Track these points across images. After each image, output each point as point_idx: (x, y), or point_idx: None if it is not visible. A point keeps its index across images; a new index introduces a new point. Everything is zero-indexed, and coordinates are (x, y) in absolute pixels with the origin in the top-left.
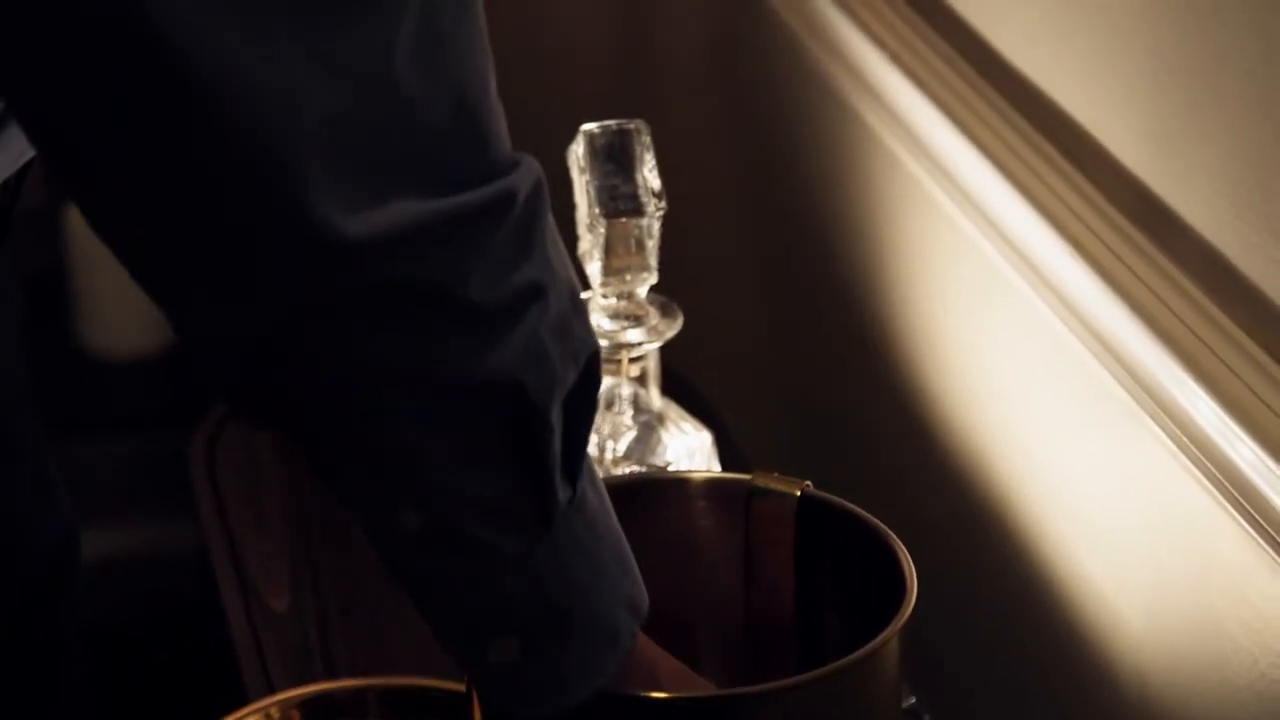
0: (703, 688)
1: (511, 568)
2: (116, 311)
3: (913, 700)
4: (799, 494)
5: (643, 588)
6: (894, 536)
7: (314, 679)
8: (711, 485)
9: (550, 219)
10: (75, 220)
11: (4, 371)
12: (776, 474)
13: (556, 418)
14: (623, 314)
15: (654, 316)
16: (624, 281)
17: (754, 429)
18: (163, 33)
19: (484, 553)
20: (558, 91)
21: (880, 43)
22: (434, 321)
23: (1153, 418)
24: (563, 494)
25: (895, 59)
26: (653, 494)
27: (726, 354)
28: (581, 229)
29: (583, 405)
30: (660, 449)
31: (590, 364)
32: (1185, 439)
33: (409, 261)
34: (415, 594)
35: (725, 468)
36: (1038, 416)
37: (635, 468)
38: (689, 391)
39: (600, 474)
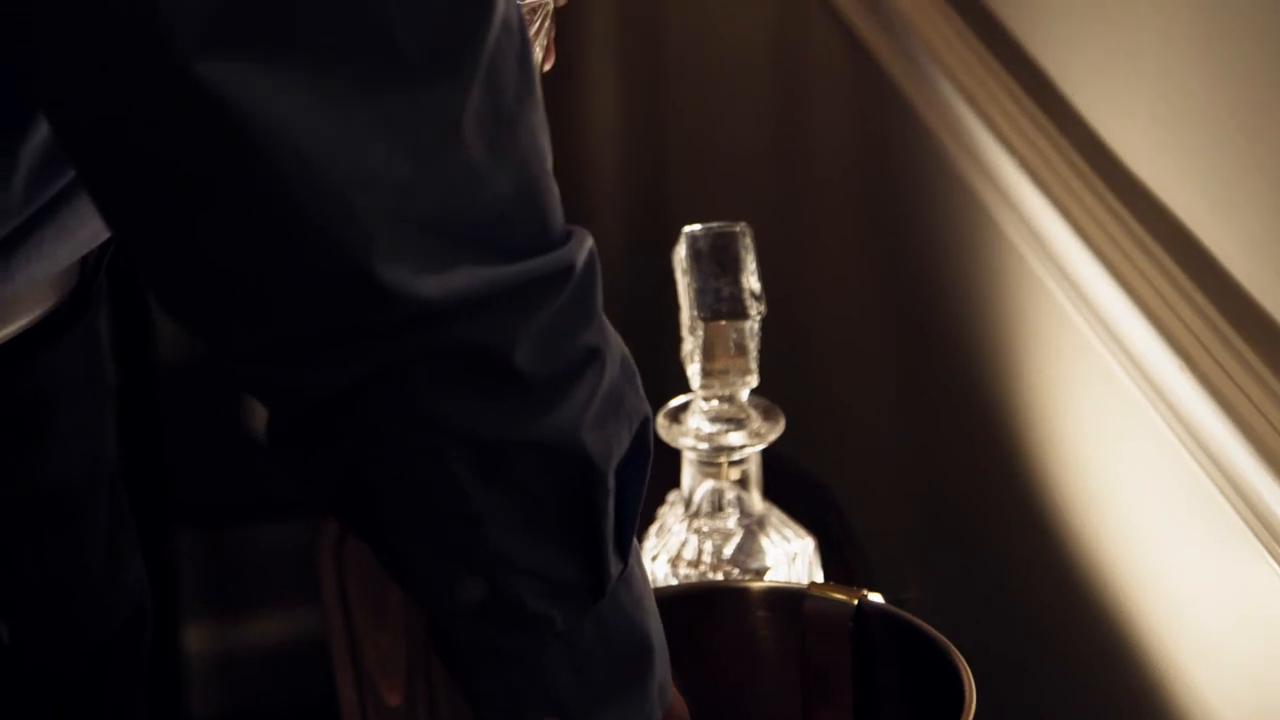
0: None
1: (561, 642)
2: None
3: None
4: (856, 604)
5: (670, 673)
6: (953, 648)
7: None
8: (770, 595)
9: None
10: None
11: (89, 446)
12: (834, 584)
13: (611, 484)
14: (724, 417)
15: (755, 420)
16: (724, 384)
17: (881, 535)
18: (229, 98)
19: (536, 625)
20: (711, 187)
21: (1023, 162)
22: (496, 383)
23: (1267, 548)
24: (614, 566)
25: (1034, 175)
26: (712, 603)
27: (859, 456)
28: (684, 330)
29: (634, 474)
30: (760, 554)
31: (642, 432)
32: None
33: (476, 324)
34: (464, 671)
35: (851, 572)
36: (1160, 538)
37: (735, 571)
38: (818, 493)
39: (682, 578)
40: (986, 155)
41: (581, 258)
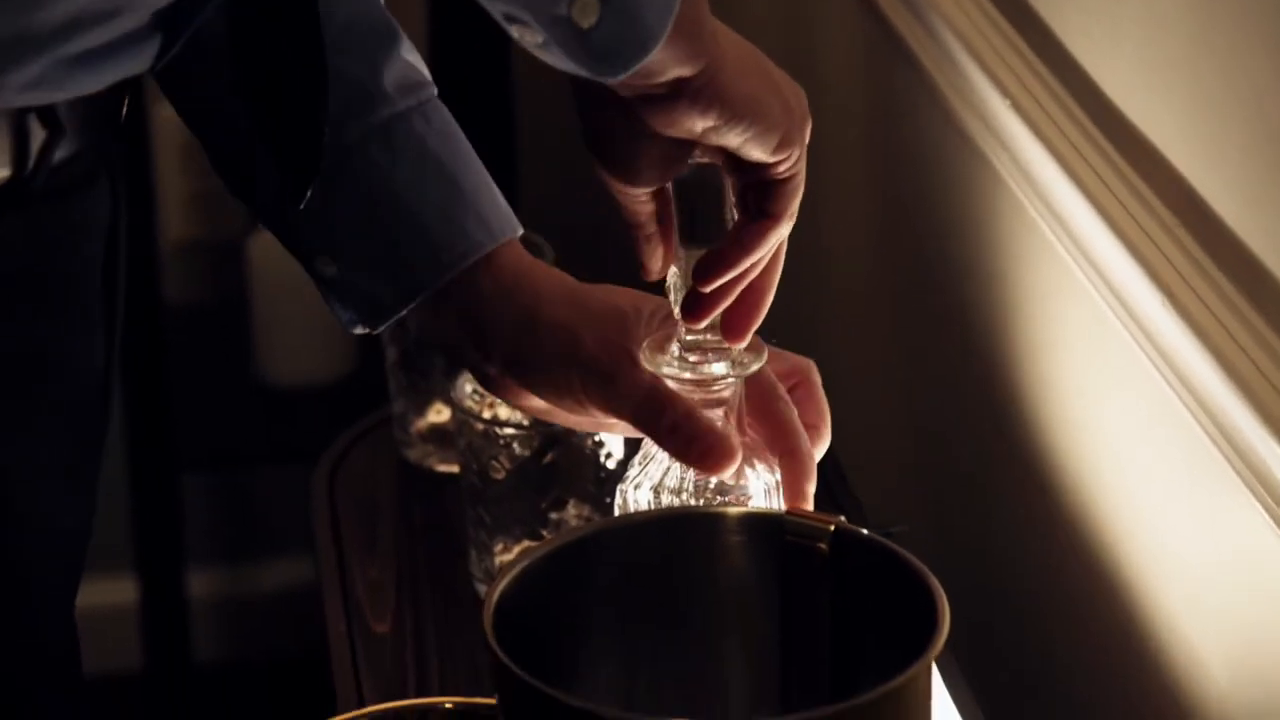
0: None
1: None
2: (295, 342)
3: None
4: (832, 529)
5: None
6: (929, 574)
7: (406, 698)
8: (747, 520)
9: None
10: (259, 251)
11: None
12: (810, 510)
13: None
14: (706, 347)
15: (737, 350)
16: None
17: (874, 473)
18: None
19: None
20: None
21: (1016, 103)
22: None
23: (1248, 487)
24: None
25: (1025, 114)
26: (687, 528)
27: (852, 394)
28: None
29: None
30: (742, 483)
31: None
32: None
33: None
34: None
35: (841, 509)
36: (1147, 479)
37: (716, 499)
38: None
39: (665, 502)
40: (980, 96)
41: None
